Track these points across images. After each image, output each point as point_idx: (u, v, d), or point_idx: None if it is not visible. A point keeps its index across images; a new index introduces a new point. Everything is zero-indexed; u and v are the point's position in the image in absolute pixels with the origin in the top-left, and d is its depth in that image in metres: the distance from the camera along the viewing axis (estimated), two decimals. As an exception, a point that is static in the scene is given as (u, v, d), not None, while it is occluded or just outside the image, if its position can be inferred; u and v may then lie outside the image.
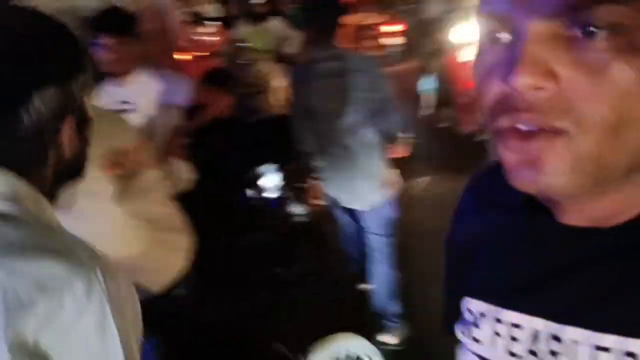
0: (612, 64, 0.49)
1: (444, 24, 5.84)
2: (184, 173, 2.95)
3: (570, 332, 0.59)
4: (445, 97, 6.13)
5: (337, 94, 2.93)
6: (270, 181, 4.11)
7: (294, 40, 5.31)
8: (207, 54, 7.10)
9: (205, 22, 8.50)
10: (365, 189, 3.05)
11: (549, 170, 0.52)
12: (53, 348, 0.81)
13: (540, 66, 0.50)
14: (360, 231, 3.27)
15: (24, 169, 0.93)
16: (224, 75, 4.68)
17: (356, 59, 3.01)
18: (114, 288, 0.88)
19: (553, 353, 0.60)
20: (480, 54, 0.58)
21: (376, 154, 3.05)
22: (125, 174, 1.77)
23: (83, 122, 1.04)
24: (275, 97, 4.85)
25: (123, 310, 0.90)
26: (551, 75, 0.50)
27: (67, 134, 0.98)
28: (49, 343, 0.81)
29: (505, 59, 0.53)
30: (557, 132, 0.51)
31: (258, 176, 4.10)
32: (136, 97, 2.77)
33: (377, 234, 3.19)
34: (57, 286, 0.82)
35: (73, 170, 1.06)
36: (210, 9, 8.87)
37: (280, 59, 5.27)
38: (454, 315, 0.77)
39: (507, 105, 0.53)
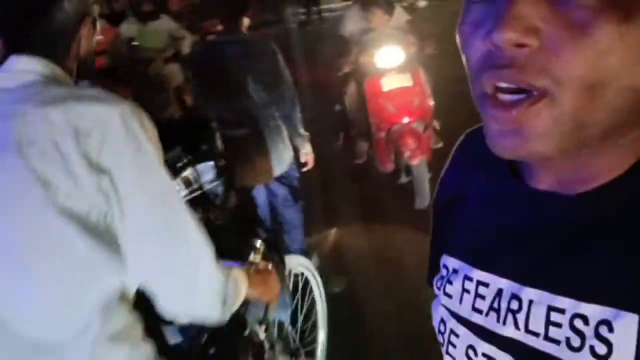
0: (594, 22, 0.48)
1: (364, 44, 4.80)
2: None
3: (528, 292, 0.61)
4: (363, 128, 5.08)
5: (240, 75, 3.10)
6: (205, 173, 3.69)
7: (187, 40, 5.42)
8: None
9: None
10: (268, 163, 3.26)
11: (530, 136, 0.52)
12: (111, 165, 1.16)
13: (522, 22, 0.49)
14: (272, 207, 3.49)
15: (55, 58, 1.26)
16: (118, 74, 4.85)
17: (259, 44, 3.24)
18: (142, 121, 1.21)
19: (512, 311, 0.63)
20: (465, 13, 0.57)
21: (279, 133, 3.28)
22: None
23: (93, 29, 1.38)
24: (174, 96, 5.02)
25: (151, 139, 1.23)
26: (533, 31, 0.49)
27: (84, 33, 1.32)
28: (106, 161, 1.15)
29: (489, 16, 0.52)
30: (537, 96, 0.51)
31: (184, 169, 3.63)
32: None
33: (287, 204, 3.44)
34: (103, 120, 1.16)
35: (86, 68, 1.38)
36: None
37: (176, 58, 5.26)
38: (435, 270, 0.81)
39: (489, 63, 0.53)
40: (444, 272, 0.77)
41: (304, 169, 3.58)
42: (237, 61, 3.12)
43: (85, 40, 1.33)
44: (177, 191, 1.28)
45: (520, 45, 0.50)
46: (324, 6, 18.57)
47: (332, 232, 4.41)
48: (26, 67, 1.23)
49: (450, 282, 0.74)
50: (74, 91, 1.23)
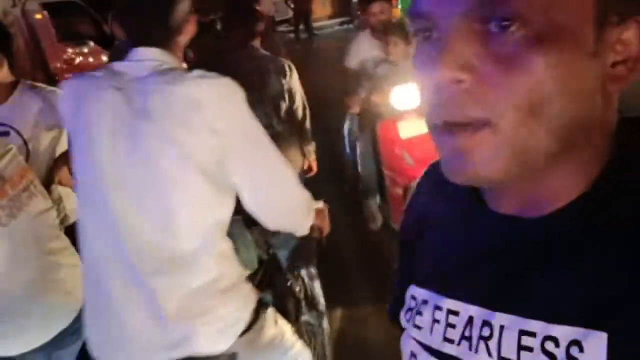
0: (524, 55, 0.53)
1: (377, 79, 3.97)
2: (72, 203, 2.65)
3: (499, 318, 0.62)
4: (372, 182, 4.22)
5: (255, 90, 3.15)
6: None
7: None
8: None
9: (79, 40, 7.66)
10: None
11: (475, 160, 0.56)
12: (223, 126, 1.56)
13: (458, 60, 0.54)
14: None
15: (169, 48, 1.65)
16: None
17: (270, 60, 3.40)
18: (236, 89, 1.61)
19: (483, 338, 0.63)
20: (416, 54, 0.61)
21: (291, 142, 3.45)
22: (7, 203, 1.86)
23: (194, 26, 1.74)
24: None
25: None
26: (469, 68, 0.54)
27: (189, 28, 1.70)
28: (220, 124, 1.55)
29: (433, 55, 0.56)
30: (479, 124, 0.55)
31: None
32: (13, 119, 2.52)
33: None
34: (213, 92, 1.57)
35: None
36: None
37: None
38: (401, 303, 0.80)
39: (435, 99, 0.57)
40: (412, 303, 0.77)
41: (308, 175, 3.74)
42: (253, 76, 3.21)
43: (188, 34, 1.71)
44: (264, 131, 1.69)
45: (458, 82, 0.55)
46: (315, 24, 18.14)
47: (337, 315, 3.56)
48: (150, 56, 1.62)
49: (420, 313, 0.74)
50: (186, 72, 1.59)
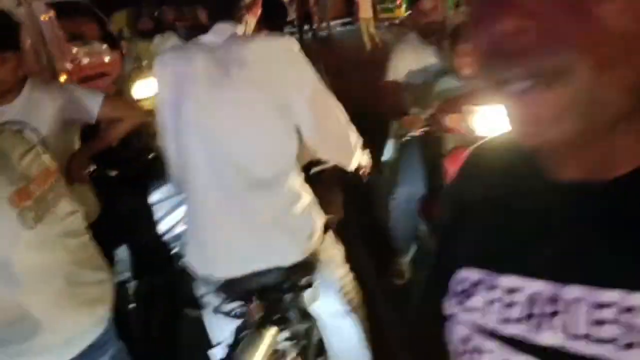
0: (592, 1, 0.48)
1: (442, 95, 3.07)
2: (88, 202, 2.64)
3: (570, 291, 0.57)
4: (414, 232, 3.44)
5: None
6: None
7: None
8: (91, 75, 6.67)
9: (84, 40, 7.60)
10: None
11: (549, 120, 0.52)
12: (291, 76, 1.98)
13: (520, 8, 0.50)
14: None
15: (240, 23, 2.07)
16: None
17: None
18: (296, 45, 2.00)
19: (550, 314, 0.58)
20: (473, 8, 0.57)
21: None
22: (33, 205, 1.70)
23: (259, 7, 2.17)
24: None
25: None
26: (532, 15, 0.50)
27: (255, 9, 2.12)
28: (289, 74, 1.97)
29: (490, 8, 0.52)
30: (551, 78, 0.50)
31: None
32: (27, 116, 2.42)
33: None
34: (279, 49, 1.98)
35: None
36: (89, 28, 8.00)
37: None
38: (441, 294, 0.76)
39: (497, 54, 0.52)
40: (459, 287, 0.72)
41: None
42: None
43: (256, 15, 2.13)
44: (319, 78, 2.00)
45: (522, 32, 0.50)
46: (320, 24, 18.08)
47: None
48: (228, 28, 2.04)
49: (471, 295, 0.69)
50: (257, 36, 2.09)
